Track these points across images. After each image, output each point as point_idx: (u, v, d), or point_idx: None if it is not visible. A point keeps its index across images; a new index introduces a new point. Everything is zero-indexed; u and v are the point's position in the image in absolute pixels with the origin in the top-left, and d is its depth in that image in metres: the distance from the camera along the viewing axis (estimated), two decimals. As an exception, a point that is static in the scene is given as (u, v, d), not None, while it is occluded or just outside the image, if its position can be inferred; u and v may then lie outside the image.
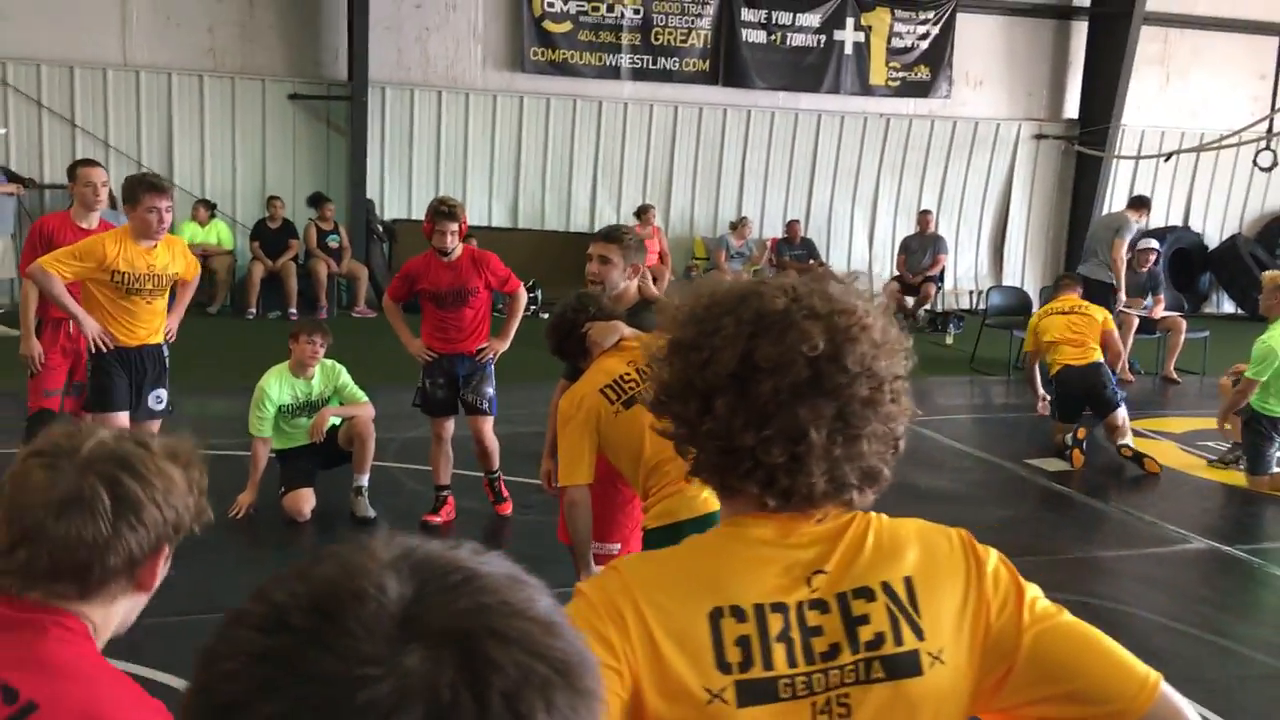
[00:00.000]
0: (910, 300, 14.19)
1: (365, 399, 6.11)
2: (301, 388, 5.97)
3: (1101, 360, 7.89)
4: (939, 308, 14.41)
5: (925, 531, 1.47)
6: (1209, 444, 8.11)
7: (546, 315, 12.57)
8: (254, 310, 12.11)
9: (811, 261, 14.34)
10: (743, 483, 1.39)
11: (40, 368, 5.48)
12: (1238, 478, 7.39)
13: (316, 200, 12.46)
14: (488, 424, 5.97)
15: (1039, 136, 15.62)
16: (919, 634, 1.38)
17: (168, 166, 12.43)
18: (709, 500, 3.34)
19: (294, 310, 12.01)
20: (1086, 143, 15.26)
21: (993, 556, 1.44)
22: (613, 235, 3.98)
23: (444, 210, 5.69)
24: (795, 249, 14.28)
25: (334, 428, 6.03)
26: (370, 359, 7.98)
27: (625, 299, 3.96)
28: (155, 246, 5.03)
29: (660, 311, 1.52)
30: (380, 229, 13.13)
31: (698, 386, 1.39)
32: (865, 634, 1.37)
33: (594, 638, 1.29)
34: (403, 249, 13.42)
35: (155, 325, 5.12)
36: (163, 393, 5.26)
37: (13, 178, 11.36)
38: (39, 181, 11.97)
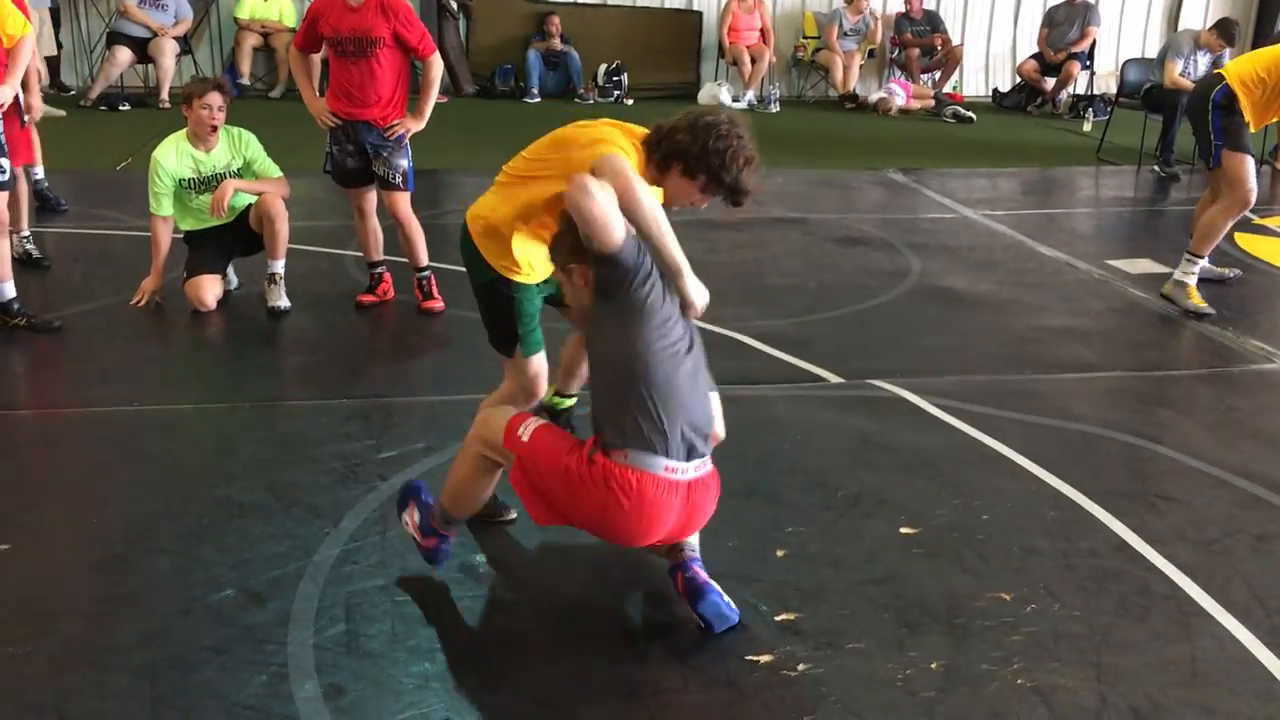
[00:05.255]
0: (1050, 82, 12.44)
1: (279, 173, 5.37)
2: (202, 159, 5.25)
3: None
4: (1089, 90, 12.59)
5: None
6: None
7: (632, 102, 11.85)
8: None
9: (936, 36, 12.69)
10: None
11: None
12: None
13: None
14: (403, 200, 5.20)
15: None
16: None
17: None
18: None
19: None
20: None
21: None
22: None
23: None
24: (918, 24, 12.63)
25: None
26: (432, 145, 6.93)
27: None
28: None
29: None
30: (454, 5, 12.14)
31: None
32: None
33: None
34: (481, 27, 12.48)
35: None
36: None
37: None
38: None
